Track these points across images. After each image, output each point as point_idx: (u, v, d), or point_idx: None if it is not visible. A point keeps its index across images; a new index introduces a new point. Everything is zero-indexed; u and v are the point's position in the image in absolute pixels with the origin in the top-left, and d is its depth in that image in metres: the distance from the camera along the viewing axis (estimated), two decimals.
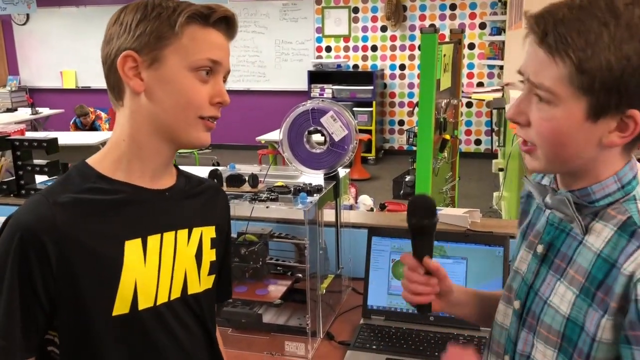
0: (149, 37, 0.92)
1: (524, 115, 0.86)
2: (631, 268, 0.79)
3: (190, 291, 1.04)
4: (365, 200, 3.47)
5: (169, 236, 1.00)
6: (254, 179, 1.67)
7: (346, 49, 8.92)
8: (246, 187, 1.67)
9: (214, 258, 1.10)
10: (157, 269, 0.98)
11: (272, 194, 1.63)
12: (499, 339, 1.04)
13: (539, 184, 0.96)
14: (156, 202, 0.99)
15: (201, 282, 1.07)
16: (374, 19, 8.71)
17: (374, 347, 1.60)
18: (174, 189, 1.03)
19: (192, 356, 1.06)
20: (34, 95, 9.86)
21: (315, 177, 1.77)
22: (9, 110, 8.51)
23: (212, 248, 1.09)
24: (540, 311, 0.92)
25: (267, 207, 1.60)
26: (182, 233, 1.03)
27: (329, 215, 1.87)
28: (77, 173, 0.96)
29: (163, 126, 0.96)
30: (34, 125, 8.11)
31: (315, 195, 1.64)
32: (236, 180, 1.68)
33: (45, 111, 8.19)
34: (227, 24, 0.98)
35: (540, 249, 0.96)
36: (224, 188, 1.67)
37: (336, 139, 1.73)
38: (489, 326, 1.10)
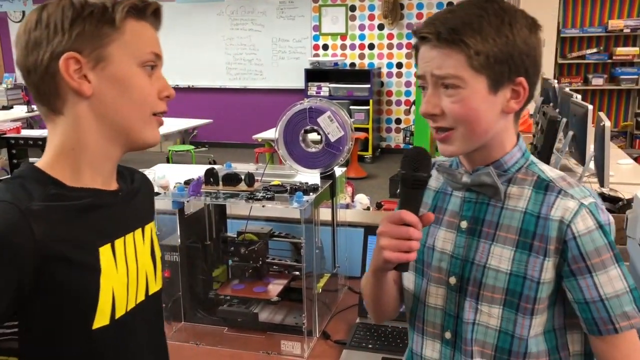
0: (89, 36, 0.87)
1: (438, 107, 1.00)
2: (559, 213, 0.99)
3: (151, 291, 1.02)
4: (362, 199, 3.47)
5: (129, 238, 0.97)
6: (250, 178, 1.67)
7: (343, 47, 8.91)
8: (242, 186, 1.67)
9: (160, 253, 1.08)
10: (126, 274, 0.94)
11: (269, 192, 1.63)
12: (433, 320, 1.12)
13: (452, 169, 1.10)
14: (114, 204, 0.95)
15: (156, 280, 1.05)
16: (371, 17, 8.70)
17: (370, 346, 1.60)
18: (123, 189, 0.99)
19: (154, 356, 1.05)
20: (30, 93, 9.82)
21: (312, 176, 1.77)
22: (4, 108, 8.46)
23: (158, 243, 1.07)
24: (482, 276, 1.04)
25: (263, 206, 1.60)
26: (138, 233, 1.00)
27: (325, 214, 1.87)
28: (33, 178, 0.88)
29: (116, 128, 0.92)
30: (29, 123, 8.08)
31: (311, 194, 1.64)
32: (232, 179, 1.68)
33: None
34: (156, 16, 0.95)
35: (464, 224, 1.08)
36: (220, 187, 1.67)
37: (332, 139, 1.73)
38: (390, 309, 1.22)
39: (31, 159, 0.93)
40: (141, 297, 0.98)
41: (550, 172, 1.05)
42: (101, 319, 0.89)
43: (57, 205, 0.85)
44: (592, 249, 0.97)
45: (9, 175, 2.33)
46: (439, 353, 1.12)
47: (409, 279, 1.17)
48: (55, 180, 0.89)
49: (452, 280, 1.08)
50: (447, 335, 1.10)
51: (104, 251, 0.90)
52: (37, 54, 0.87)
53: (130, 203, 0.99)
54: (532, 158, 1.07)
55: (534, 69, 1.00)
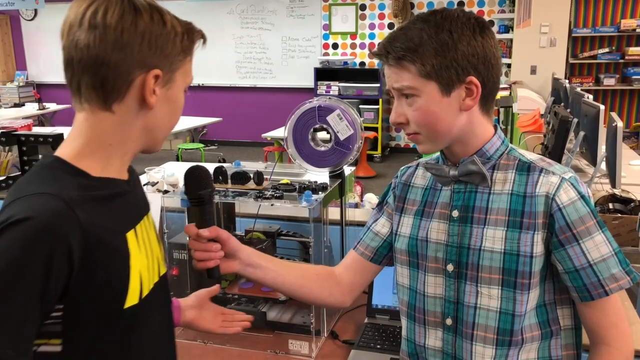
0: (171, 58, 0.95)
1: (402, 115, 1.12)
2: (544, 189, 1.07)
3: (162, 272, 1.09)
4: (371, 198, 3.46)
5: (143, 223, 1.04)
6: (259, 176, 1.67)
7: (353, 46, 8.90)
8: (251, 184, 1.67)
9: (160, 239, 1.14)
10: (146, 256, 1.01)
11: (277, 191, 1.63)
12: (434, 309, 1.18)
13: (439, 165, 1.18)
14: (129, 192, 1.02)
15: (163, 262, 1.11)
16: (381, 16, 8.68)
17: (378, 346, 1.59)
18: (131, 178, 1.05)
19: (170, 337, 1.12)
20: (41, 91, 9.88)
21: (321, 175, 1.77)
22: (16, 105, 8.53)
23: (167, 241, 1.13)
24: (478, 259, 1.11)
25: (271, 205, 1.59)
26: (146, 219, 1.06)
27: (334, 213, 1.86)
28: (61, 169, 0.92)
29: (152, 136, 1.00)
30: (41, 120, 8.13)
31: (320, 193, 1.64)
32: (241, 177, 1.67)
33: (52, 106, 8.20)
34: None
35: (456, 213, 1.15)
36: (229, 185, 1.67)
37: (341, 138, 1.72)
38: (300, 297, 1.30)
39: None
40: (156, 278, 1.05)
41: (529, 155, 1.14)
42: (132, 299, 0.96)
43: (88, 195, 0.91)
44: (577, 218, 1.06)
45: (19, 172, 2.34)
46: (441, 340, 1.18)
47: (402, 275, 1.24)
48: (81, 171, 0.93)
49: (450, 267, 1.15)
50: (448, 321, 1.16)
51: (130, 236, 0.97)
52: (124, 55, 0.91)
53: (137, 191, 1.07)
54: (511, 145, 1.16)
55: (484, 65, 1.08)
